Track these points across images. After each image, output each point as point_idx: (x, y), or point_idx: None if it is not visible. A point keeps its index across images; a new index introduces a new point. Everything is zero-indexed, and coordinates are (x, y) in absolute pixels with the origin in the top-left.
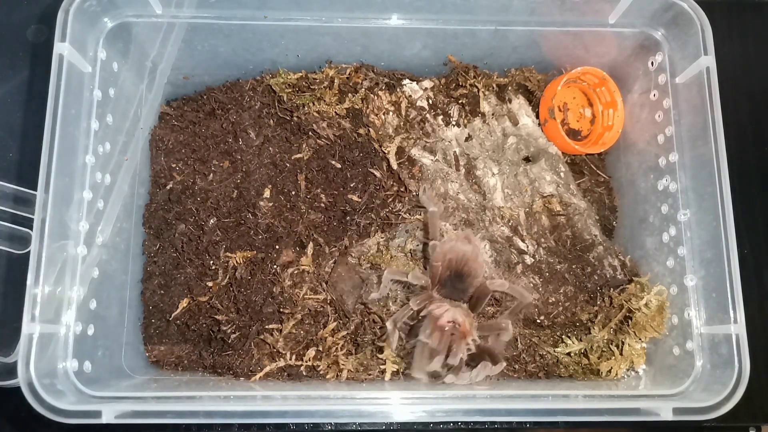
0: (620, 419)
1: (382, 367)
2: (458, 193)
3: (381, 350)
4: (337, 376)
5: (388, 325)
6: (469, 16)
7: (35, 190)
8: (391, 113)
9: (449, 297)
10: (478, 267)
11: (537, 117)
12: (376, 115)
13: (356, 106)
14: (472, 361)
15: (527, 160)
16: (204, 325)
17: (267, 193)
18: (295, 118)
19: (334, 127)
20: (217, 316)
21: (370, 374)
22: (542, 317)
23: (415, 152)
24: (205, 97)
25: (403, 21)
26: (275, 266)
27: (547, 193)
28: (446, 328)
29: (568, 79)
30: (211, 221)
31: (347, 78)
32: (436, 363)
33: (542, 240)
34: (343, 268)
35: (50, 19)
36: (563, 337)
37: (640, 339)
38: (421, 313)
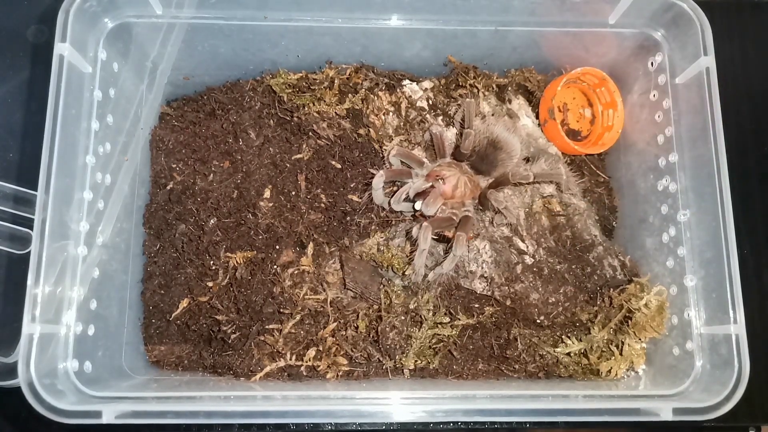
0: (620, 419)
1: (383, 360)
2: None
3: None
4: (337, 376)
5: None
6: (469, 16)
7: (35, 190)
8: (391, 114)
9: (478, 170)
10: (511, 143)
11: (537, 117)
12: (376, 115)
13: (356, 107)
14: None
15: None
16: (204, 325)
17: (267, 194)
18: (295, 119)
19: (334, 127)
20: (217, 316)
21: (371, 367)
22: (542, 317)
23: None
24: (205, 97)
25: (403, 21)
26: (275, 266)
27: (546, 193)
28: (431, 178)
29: (567, 80)
30: (212, 221)
31: (347, 78)
32: (395, 199)
33: (542, 240)
34: (354, 262)
35: (50, 20)
36: (563, 337)
37: (639, 339)
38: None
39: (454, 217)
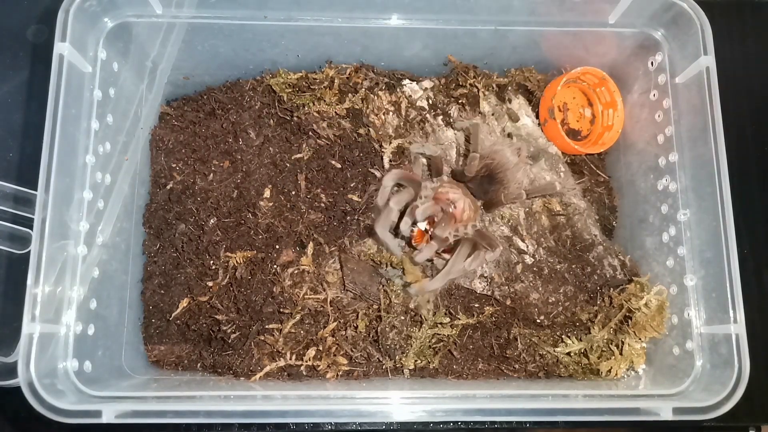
0: (620, 419)
1: (383, 361)
2: None
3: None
4: (337, 376)
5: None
6: (469, 16)
7: (35, 190)
8: (391, 113)
9: (473, 192)
10: (511, 179)
11: (537, 117)
12: (376, 115)
13: (356, 106)
14: (455, 246)
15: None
16: (204, 325)
17: (267, 193)
18: (295, 118)
19: (334, 127)
20: (217, 316)
21: (370, 367)
22: (542, 317)
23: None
24: (205, 97)
25: (403, 21)
26: (275, 266)
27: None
28: (440, 201)
29: (567, 79)
30: (211, 221)
31: (347, 78)
32: (404, 225)
33: (542, 240)
34: (353, 263)
35: (50, 19)
36: (563, 336)
37: (640, 339)
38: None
39: (454, 239)
